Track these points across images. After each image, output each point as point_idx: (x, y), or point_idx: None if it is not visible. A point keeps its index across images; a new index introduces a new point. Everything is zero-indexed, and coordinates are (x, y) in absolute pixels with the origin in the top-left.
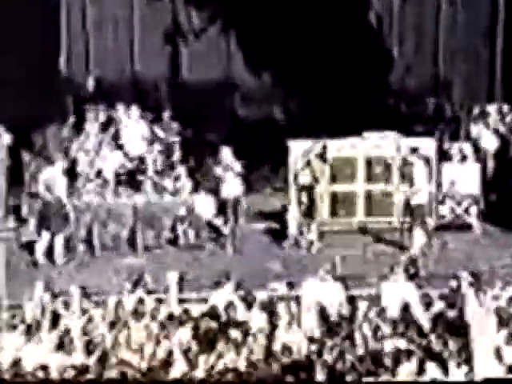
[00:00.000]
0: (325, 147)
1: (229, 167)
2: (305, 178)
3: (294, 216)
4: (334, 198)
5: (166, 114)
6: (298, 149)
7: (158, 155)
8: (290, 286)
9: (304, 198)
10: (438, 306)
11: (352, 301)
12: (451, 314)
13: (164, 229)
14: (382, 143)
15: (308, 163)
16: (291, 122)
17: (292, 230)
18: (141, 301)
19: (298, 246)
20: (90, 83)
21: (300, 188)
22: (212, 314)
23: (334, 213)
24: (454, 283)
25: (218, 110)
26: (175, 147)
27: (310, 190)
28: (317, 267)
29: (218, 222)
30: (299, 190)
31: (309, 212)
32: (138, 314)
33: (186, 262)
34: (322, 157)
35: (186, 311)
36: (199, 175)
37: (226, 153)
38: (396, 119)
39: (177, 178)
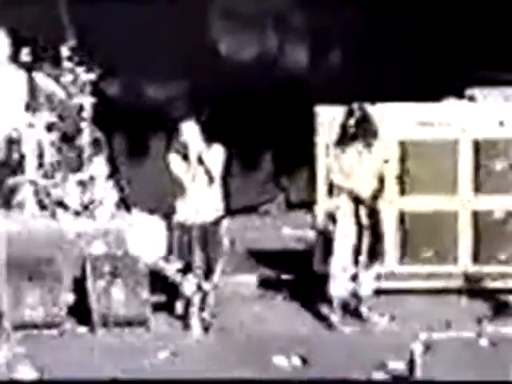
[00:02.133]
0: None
1: (195, 161)
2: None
3: (339, 259)
4: (407, 225)
5: (66, 50)
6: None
7: (46, 135)
8: None
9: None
10: None
11: None
12: None
13: (60, 284)
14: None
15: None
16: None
17: (336, 286)
18: None
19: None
20: None
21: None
22: None
23: (407, 253)
24: None
25: (175, 39)
26: (83, 118)
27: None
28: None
29: (173, 271)
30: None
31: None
32: None
33: (110, 355)
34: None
35: None
36: (134, 178)
37: (191, 131)
38: None
39: (84, 183)
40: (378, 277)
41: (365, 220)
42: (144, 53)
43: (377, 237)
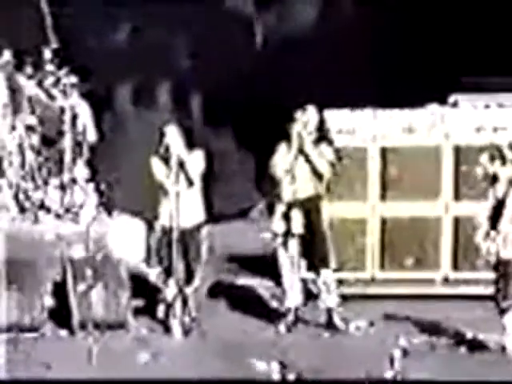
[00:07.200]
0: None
1: (175, 165)
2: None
3: (287, 263)
4: (388, 231)
5: (48, 52)
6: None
7: (26, 137)
8: None
9: (298, 225)
10: None
11: None
12: None
13: (41, 289)
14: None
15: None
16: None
17: (292, 292)
18: None
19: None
20: None
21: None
22: None
23: (387, 260)
24: None
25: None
26: (64, 120)
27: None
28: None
29: (154, 274)
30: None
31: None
32: None
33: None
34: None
35: None
36: (114, 180)
37: (172, 135)
38: None
39: (64, 186)
40: (340, 282)
41: (301, 224)
42: None
43: (317, 241)
